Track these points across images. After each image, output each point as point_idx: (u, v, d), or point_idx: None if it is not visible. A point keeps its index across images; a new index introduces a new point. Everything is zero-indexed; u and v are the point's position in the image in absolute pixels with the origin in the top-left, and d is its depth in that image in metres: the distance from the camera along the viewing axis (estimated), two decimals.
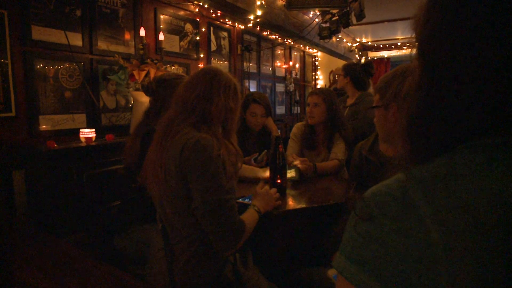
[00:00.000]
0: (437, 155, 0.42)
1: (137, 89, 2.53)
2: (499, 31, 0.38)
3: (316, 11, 4.39)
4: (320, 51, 6.49)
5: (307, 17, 4.81)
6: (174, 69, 3.23)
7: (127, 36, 2.76)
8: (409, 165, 0.43)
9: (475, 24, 0.40)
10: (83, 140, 2.17)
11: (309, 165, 1.96)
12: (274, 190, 1.45)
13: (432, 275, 0.36)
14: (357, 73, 2.85)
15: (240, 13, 3.66)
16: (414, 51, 0.48)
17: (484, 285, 0.34)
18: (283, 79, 5.47)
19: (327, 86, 6.55)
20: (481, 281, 0.34)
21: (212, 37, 3.82)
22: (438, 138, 0.43)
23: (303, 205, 1.55)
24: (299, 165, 1.95)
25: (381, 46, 7.78)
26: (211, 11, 3.65)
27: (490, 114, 0.40)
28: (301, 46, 5.91)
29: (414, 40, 0.48)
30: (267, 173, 1.79)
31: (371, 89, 3.27)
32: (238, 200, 1.50)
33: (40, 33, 2.17)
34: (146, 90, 1.89)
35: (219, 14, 3.74)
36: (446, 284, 0.35)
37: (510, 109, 0.39)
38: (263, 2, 3.69)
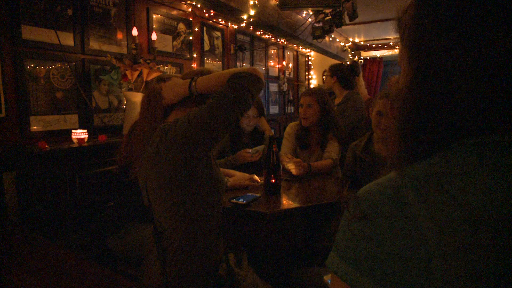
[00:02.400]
0: (430, 154, 0.42)
1: (130, 89, 2.51)
2: (490, 32, 0.39)
3: (309, 10, 4.40)
4: (313, 50, 6.50)
5: (300, 16, 4.82)
6: (167, 69, 3.22)
7: (120, 35, 2.74)
8: (402, 164, 0.44)
9: (466, 25, 0.40)
10: (75, 141, 2.15)
11: (303, 165, 1.97)
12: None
13: (426, 273, 0.36)
14: (343, 73, 2.93)
15: (233, 13, 3.65)
16: (399, 51, 0.48)
17: (478, 282, 0.34)
18: (276, 79, 5.47)
19: (320, 85, 6.58)
20: (475, 278, 0.34)
21: (205, 36, 3.80)
22: (431, 137, 0.43)
23: (297, 205, 1.55)
24: (293, 167, 1.95)
25: (373, 45, 7.83)
26: (204, 11, 3.64)
27: (482, 114, 0.40)
28: (294, 45, 5.92)
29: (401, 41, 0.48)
30: (255, 177, 1.81)
31: (362, 88, 3.32)
32: (232, 200, 1.50)
33: (30, 33, 2.14)
34: (146, 87, 2.03)
35: (212, 14, 3.73)
36: (440, 282, 0.35)
37: (502, 108, 0.40)
38: (256, 2, 3.68)
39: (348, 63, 3.74)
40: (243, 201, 1.49)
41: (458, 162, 0.40)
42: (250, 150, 2.08)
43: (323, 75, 7.11)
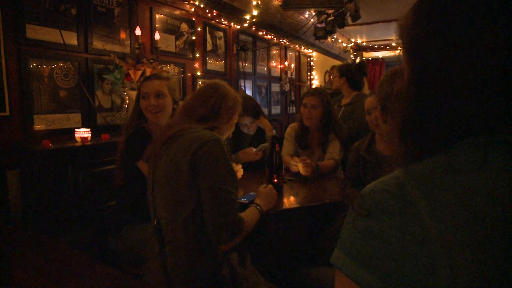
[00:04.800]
0: (434, 153, 0.43)
1: (132, 89, 2.52)
2: (484, 33, 0.39)
3: (312, 11, 4.40)
4: (315, 51, 6.50)
5: (303, 17, 4.82)
6: (169, 68, 3.23)
7: (123, 35, 2.75)
8: (407, 162, 0.44)
9: (462, 26, 0.40)
10: (78, 139, 2.16)
11: (312, 165, 1.97)
12: (270, 186, 1.48)
13: (430, 271, 0.36)
14: (352, 73, 2.90)
15: (236, 13, 3.65)
16: (401, 52, 0.49)
17: (483, 280, 0.34)
18: (278, 79, 5.48)
19: (322, 86, 6.58)
20: (479, 276, 0.34)
21: (208, 36, 3.81)
22: (432, 136, 0.43)
23: (299, 204, 1.56)
24: (301, 165, 1.95)
25: (375, 46, 7.82)
26: (207, 11, 3.64)
27: (482, 113, 0.41)
28: (296, 46, 5.92)
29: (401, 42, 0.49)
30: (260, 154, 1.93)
31: (366, 89, 3.31)
32: None
33: (34, 32, 2.15)
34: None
35: (214, 14, 3.74)
36: (445, 279, 0.35)
37: (504, 107, 0.40)
38: (259, 2, 3.69)
39: (353, 62, 3.73)
40: (246, 200, 1.49)
41: (462, 161, 0.40)
42: (254, 149, 2.08)
43: (325, 75, 7.11)
